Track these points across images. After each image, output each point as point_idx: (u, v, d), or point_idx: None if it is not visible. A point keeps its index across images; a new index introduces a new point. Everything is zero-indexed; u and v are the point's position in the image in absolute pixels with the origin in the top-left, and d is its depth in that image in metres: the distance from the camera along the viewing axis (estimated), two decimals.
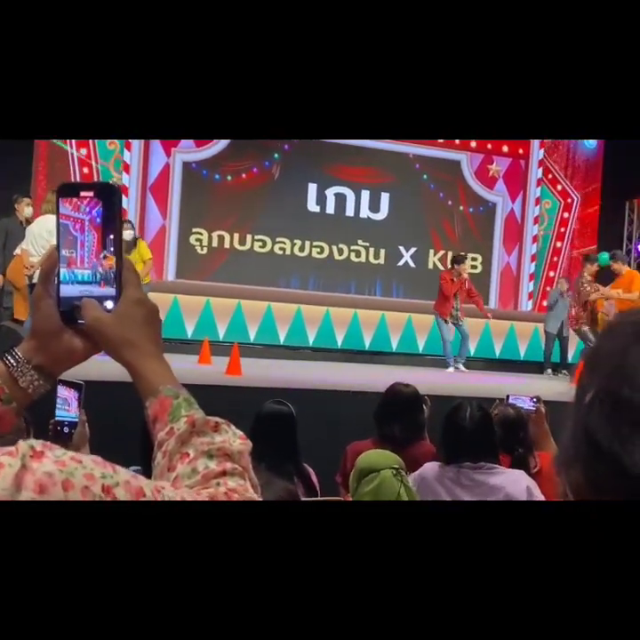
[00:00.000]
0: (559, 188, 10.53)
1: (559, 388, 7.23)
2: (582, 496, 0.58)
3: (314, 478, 3.04)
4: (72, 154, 8.56)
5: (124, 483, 0.65)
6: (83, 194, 0.84)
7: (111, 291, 0.84)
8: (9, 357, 0.84)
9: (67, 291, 0.84)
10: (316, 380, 6.59)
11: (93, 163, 8.65)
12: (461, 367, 8.59)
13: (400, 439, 3.17)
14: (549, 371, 9.45)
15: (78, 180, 8.39)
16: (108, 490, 0.64)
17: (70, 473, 0.62)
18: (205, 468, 0.76)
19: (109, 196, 0.84)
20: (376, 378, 5.85)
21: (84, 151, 8.59)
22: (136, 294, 0.84)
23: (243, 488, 0.76)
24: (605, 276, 8.21)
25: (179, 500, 0.69)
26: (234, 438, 0.80)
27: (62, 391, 2.24)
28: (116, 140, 8.61)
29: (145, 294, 0.87)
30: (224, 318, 8.94)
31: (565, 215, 10.58)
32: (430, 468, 2.70)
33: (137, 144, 8.80)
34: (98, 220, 0.84)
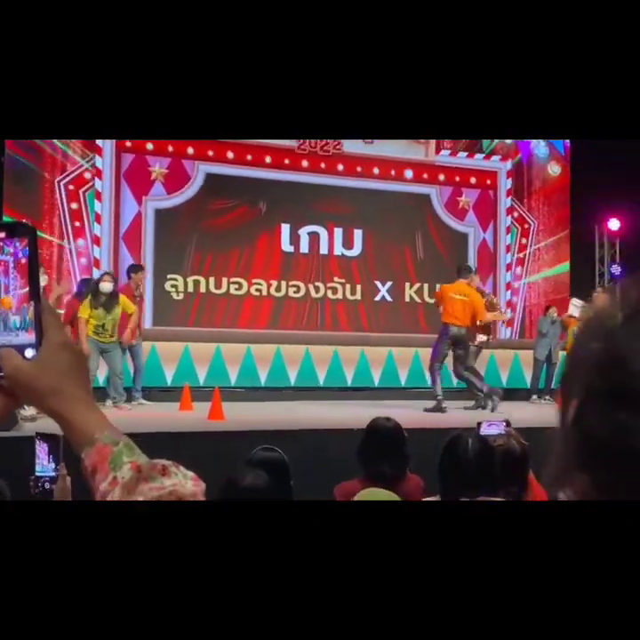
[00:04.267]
0: (516, 214, 10.68)
1: (546, 413, 7.18)
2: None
3: None
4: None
5: None
6: None
7: (31, 338, 0.76)
8: None
9: None
10: (300, 420, 6.51)
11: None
12: (130, 401, 7.47)
13: (390, 476, 3.06)
14: (535, 397, 9.49)
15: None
16: None
17: None
18: None
19: (23, 236, 0.77)
20: (361, 414, 5.79)
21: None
22: (58, 338, 0.77)
23: None
24: None
25: None
26: (185, 480, 0.74)
27: (39, 445, 2.16)
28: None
29: (69, 337, 0.80)
30: (203, 363, 8.86)
31: (523, 241, 10.72)
32: None
33: (108, 194, 8.79)
34: (9, 262, 0.76)
